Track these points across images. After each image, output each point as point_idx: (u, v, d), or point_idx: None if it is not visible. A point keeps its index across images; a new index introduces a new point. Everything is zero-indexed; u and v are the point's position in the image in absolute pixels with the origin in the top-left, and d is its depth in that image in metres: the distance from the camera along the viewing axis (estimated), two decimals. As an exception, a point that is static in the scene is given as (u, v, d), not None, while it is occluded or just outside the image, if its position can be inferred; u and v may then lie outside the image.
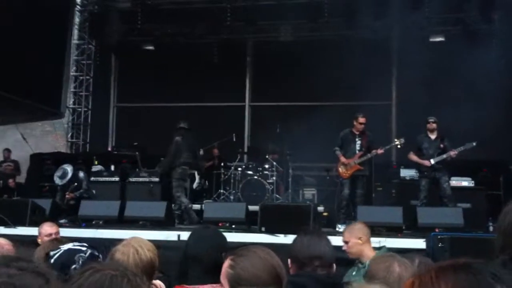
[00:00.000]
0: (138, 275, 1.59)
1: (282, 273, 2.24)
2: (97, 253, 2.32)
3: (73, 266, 2.23)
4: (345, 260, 4.52)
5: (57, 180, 9.76)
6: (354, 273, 4.57)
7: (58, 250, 2.30)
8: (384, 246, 4.92)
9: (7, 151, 13.20)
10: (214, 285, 2.59)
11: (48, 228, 5.59)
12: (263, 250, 2.31)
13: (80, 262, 2.25)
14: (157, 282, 2.94)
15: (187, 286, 2.64)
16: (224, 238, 3.11)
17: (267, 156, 11.60)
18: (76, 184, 9.91)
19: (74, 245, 2.33)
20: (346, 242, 4.68)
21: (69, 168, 9.81)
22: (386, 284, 2.20)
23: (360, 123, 9.13)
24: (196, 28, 13.80)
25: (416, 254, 2.86)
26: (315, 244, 2.99)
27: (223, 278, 2.24)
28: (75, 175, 9.96)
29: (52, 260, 2.26)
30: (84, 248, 2.31)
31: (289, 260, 2.99)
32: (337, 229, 8.83)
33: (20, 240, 4.95)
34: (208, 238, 3.05)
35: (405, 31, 13.33)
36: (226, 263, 2.25)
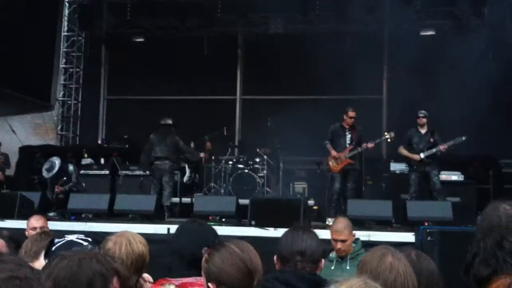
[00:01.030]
0: (108, 255, 1.59)
1: (254, 269, 2.24)
2: (98, 249, 2.30)
3: None
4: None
5: (45, 173, 9.69)
6: (332, 267, 4.54)
7: (62, 239, 2.29)
8: (358, 239, 4.88)
9: None
10: (198, 277, 2.59)
11: (33, 221, 5.55)
12: (238, 244, 2.31)
13: None
14: (145, 275, 2.93)
15: (170, 278, 2.63)
16: (211, 231, 3.07)
17: (258, 150, 11.58)
18: (65, 177, 9.85)
19: (78, 238, 2.31)
20: (344, 241, 4.60)
21: (57, 161, 9.73)
22: (377, 272, 2.22)
23: (350, 117, 9.14)
24: (186, 21, 13.73)
25: (410, 247, 2.87)
26: (298, 239, 2.97)
27: (202, 272, 2.30)
28: (64, 168, 9.89)
29: (53, 248, 2.26)
30: (85, 243, 2.29)
31: (275, 256, 2.98)
32: (327, 222, 8.85)
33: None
34: (193, 232, 3.04)
35: (396, 25, 13.35)
36: (204, 257, 2.29)
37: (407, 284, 2.20)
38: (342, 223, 4.81)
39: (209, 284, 2.21)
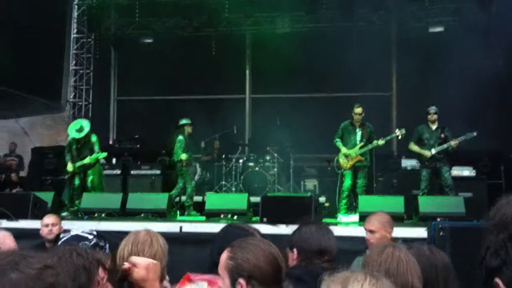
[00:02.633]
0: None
1: (282, 263, 2.24)
2: (102, 243, 2.33)
3: None
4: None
5: (75, 134, 9.48)
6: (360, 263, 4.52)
7: (68, 234, 2.32)
8: (399, 239, 4.77)
9: (13, 144, 13.19)
10: (215, 275, 2.60)
11: (45, 219, 5.64)
12: (262, 240, 2.32)
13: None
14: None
15: (191, 274, 2.65)
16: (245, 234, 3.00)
17: (268, 148, 11.62)
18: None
19: (83, 232, 2.35)
20: (373, 232, 4.45)
21: (84, 123, 9.61)
22: (378, 263, 2.23)
23: (356, 114, 9.16)
24: (194, 21, 13.79)
25: (422, 243, 2.90)
26: (323, 236, 2.98)
27: (222, 270, 2.24)
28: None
29: (59, 243, 2.29)
30: (90, 236, 2.32)
31: (294, 251, 2.98)
32: (338, 219, 8.87)
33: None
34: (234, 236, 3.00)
35: (404, 22, 13.33)
36: (225, 255, 2.24)
37: (410, 272, 2.21)
38: (376, 214, 4.69)
39: (240, 280, 2.17)
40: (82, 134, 9.42)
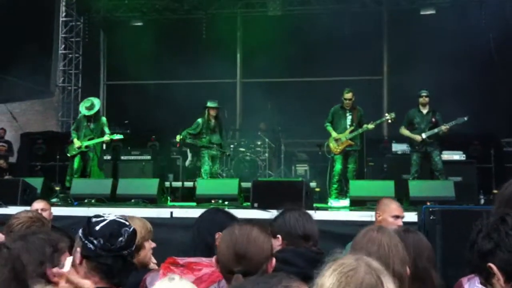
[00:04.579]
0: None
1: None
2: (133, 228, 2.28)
3: (120, 239, 2.19)
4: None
5: (85, 111, 9.43)
6: None
7: (102, 218, 2.24)
8: None
9: (2, 130, 13.06)
10: (203, 258, 2.60)
11: (35, 204, 5.59)
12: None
13: (126, 236, 2.21)
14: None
15: (176, 257, 2.65)
16: (231, 219, 2.98)
17: (259, 133, 11.59)
18: None
19: (118, 217, 2.27)
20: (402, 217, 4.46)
21: (95, 101, 9.55)
22: (361, 246, 2.27)
23: (345, 99, 9.14)
24: (184, 3, 13.65)
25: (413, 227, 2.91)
26: (307, 222, 3.01)
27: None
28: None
29: (97, 228, 2.20)
30: (127, 223, 2.26)
31: (278, 237, 2.99)
32: (329, 204, 8.88)
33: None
34: (213, 219, 3.02)
35: (395, 4, 13.28)
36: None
37: (391, 256, 2.22)
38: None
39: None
40: (93, 111, 9.37)
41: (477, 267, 1.97)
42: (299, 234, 2.99)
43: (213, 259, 2.33)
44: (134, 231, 2.26)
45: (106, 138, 9.33)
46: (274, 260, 2.27)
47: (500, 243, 1.89)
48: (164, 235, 5.47)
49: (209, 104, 9.55)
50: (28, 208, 5.82)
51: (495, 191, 8.35)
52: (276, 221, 3.11)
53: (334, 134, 9.13)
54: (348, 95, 9.13)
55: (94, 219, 2.23)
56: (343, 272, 1.52)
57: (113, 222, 2.21)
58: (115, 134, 9.47)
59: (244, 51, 14.48)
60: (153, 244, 3.14)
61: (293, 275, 1.54)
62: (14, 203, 7.74)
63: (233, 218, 3.04)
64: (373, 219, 6.58)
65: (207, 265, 2.54)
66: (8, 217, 3.31)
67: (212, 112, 9.54)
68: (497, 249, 1.89)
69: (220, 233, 2.74)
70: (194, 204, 8.43)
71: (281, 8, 13.59)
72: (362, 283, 1.50)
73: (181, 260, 2.61)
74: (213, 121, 9.60)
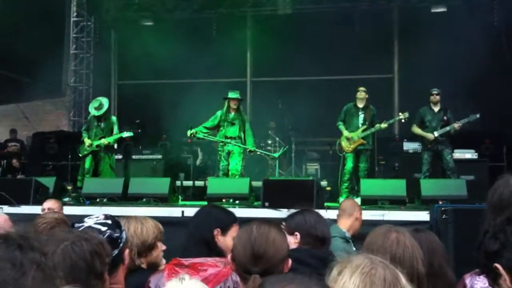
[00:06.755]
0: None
1: None
2: (116, 235, 2.25)
3: None
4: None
5: (94, 111, 9.47)
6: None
7: (81, 224, 2.24)
8: None
9: (14, 131, 13.18)
10: (208, 258, 2.61)
11: (45, 203, 5.63)
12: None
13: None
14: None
15: (181, 259, 2.66)
16: (229, 215, 3.02)
17: (269, 132, 11.57)
18: None
19: (96, 223, 2.25)
20: None
21: (104, 100, 9.58)
22: (384, 248, 2.23)
23: (359, 98, 9.16)
24: (194, 2, 13.66)
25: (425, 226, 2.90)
26: (325, 226, 3.06)
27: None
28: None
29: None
30: (104, 228, 2.23)
31: (297, 235, 2.98)
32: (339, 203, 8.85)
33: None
34: (209, 215, 3.03)
35: (406, 2, 13.21)
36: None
37: (415, 257, 2.22)
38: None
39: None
40: (101, 111, 9.39)
41: (485, 267, 1.97)
42: (318, 235, 2.99)
43: (228, 257, 2.32)
44: (111, 239, 2.21)
45: (108, 140, 9.34)
46: (290, 261, 2.27)
47: (506, 244, 1.89)
48: (174, 235, 5.48)
49: (230, 95, 9.13)
50: (39, 207, 5.89)
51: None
52: (294, 219, 3.10)
53: (346, 133, 9.11)
54: (362, 95, 9.18)
55: (76, 224, 2.25)
56: (365, 272, 1.51)
57: (86, 229, 2.19)
58: (124, 132, 9.47)
59: (254, 50, 14.46)
60: (164, 247, 3.15)
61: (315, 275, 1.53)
62: (26, 202, 7.79)
63: (228, 213, 3.05)
64: (385, 218, 6.59)
65: (212, 265, 2.55)
66: (20, 216, 3.35)
67: (233, 104, 9.03)
68: (503, 250, 1.89)
69: (218, 229, 2.78)
70: (205, 203, 8.43)
71: (291, 7, 13.58)
72: (385, 281, 1.49)
73: (186, 261, 2.62)
74: (232, 113, 9.09)
